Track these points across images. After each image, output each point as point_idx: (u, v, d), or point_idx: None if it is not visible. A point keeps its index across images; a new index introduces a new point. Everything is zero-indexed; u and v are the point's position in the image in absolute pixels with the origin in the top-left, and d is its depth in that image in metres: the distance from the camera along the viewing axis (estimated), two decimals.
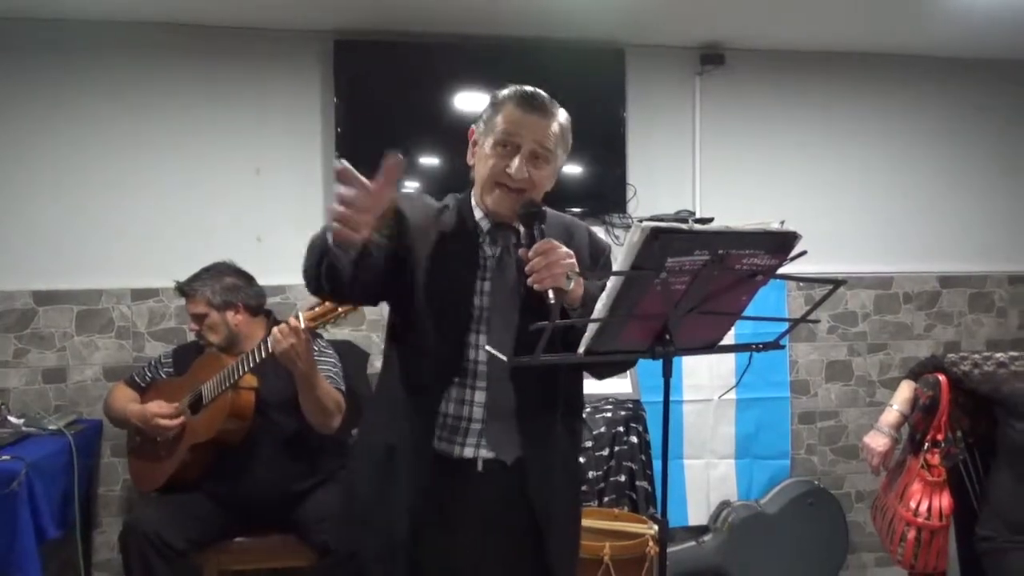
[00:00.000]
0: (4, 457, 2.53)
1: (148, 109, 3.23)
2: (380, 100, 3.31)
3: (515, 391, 1.62)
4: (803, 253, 1.39)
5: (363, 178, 1.38)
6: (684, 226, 1.29)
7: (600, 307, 1.39)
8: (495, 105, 1.64)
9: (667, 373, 1.51)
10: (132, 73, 3.21)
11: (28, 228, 3.15)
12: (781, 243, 1.38)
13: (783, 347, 1.65)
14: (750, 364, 1.67)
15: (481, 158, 1.64)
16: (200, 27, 3.23)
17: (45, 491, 2.57)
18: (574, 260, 1.52)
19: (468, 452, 1.63)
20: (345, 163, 1.38)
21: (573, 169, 3.47)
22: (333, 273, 1.47)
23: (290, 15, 3.19)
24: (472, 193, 1.70)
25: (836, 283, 1.53)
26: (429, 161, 3.38)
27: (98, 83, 3.19)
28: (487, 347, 1.59)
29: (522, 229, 1.60)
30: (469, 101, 3.35)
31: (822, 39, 3.58)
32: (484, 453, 1.63)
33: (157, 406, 2.72)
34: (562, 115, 1.66)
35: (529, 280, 1.49)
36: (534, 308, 1.53)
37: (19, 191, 3.14)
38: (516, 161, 1.58)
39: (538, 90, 1.65)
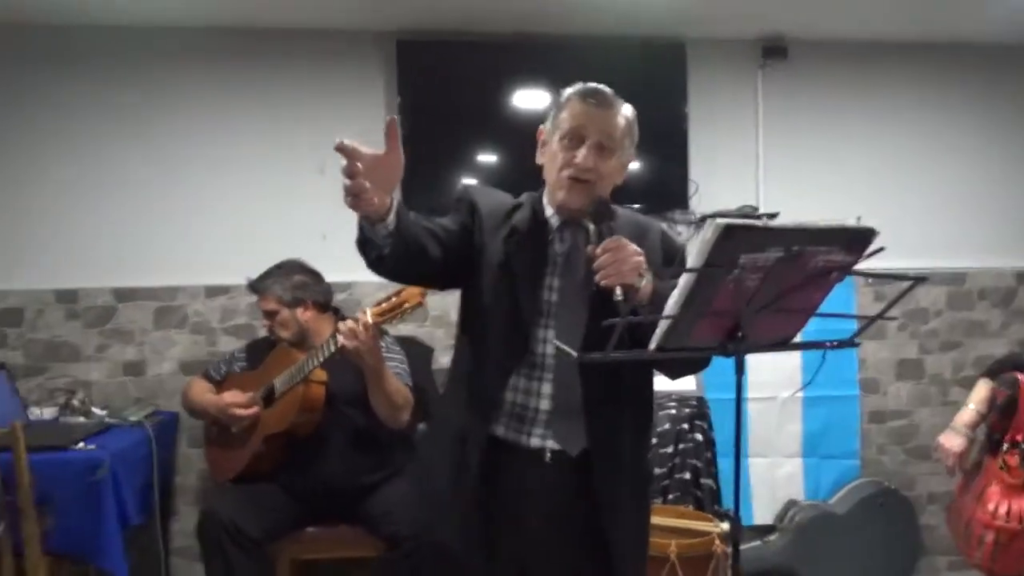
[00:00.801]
0: (90, 447, 2.64)
1: (217, 113, 3.34)
2: (442, 98, 3.35)
3: (582, 385, 1.63)
4: (881, 249, 1.37)
5: (363, 148, 1.41)
6: (759, 223, 1.29)
7: (672, 304, 1.39)
8: (560, 103, 1.67)
9: (739, 370, 1.50)
10: (203, 78, 3.32)
11: (109, 228, 3.28)
12: (858, 239, 1.37)
13: (858, 345, 1.63)
14: (824, 362, 1.65)
15: (550, 155, 1.67)
16: (267, 31, 3.32)
17: (128, 479, 2.68)
18: (643, 258, 1.53)
19: (535, 442, 1.65)
20: (343, 140, 1.39)
21: (634, 165, 3.44)
22: (370, 247, 1.51)
23: (354, 17, 3.25)
24: (544, 191, 1.73)
25: (916, 280, 1.50)
26: (490, 158, 3.42)
27: (174, 89, 3.31)
28: (555, 341, 1.61)
29: (591, 227, 1.61)
30: (529, 99, 3.36)
31: (888, 29, 3.49)
32: (551, 444, 1.65)
33: (232, 395, 2.81)
34: (627, 109, 1.69)
35: (596, 277, 1.50)
36: (602, 305, 1.53)
37: (101, 194, 3.28)
38: (583, 151, 1.61)
39: (602, 86, 1.68)
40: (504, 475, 1.65)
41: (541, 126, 1.72)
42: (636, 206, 3.37)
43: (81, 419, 2.95)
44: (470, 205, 1.70)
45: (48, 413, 2.98)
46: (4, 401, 2.83)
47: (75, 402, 3.00)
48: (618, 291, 1.48)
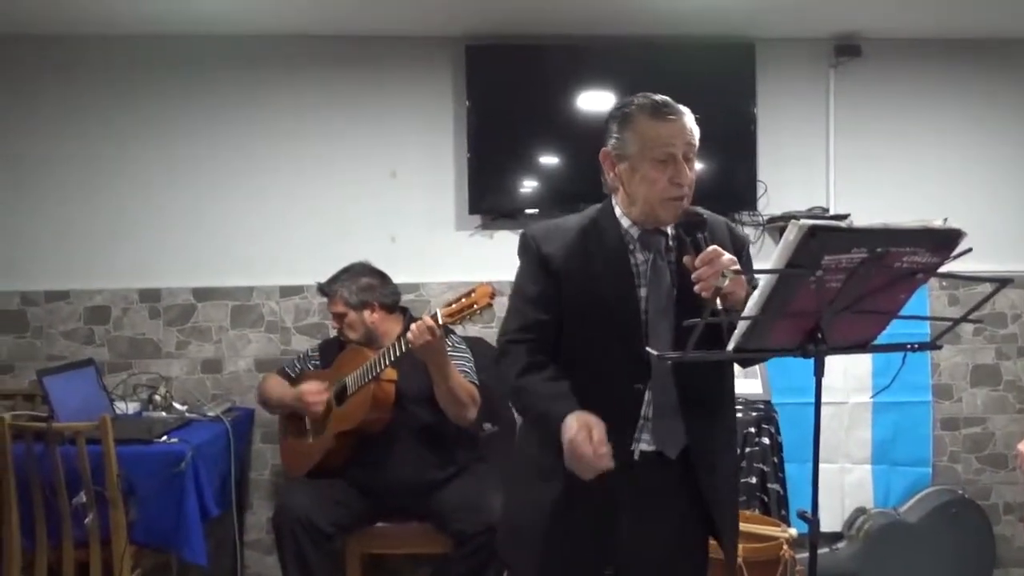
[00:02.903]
0: (172, 440, 2.75)
1: (292, 120, 3.43)
2: (509, 102, 3.39)
3: (677, 387, 1.67)
4: (968, 251, 1.35)
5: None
6: (843, 224, 1.28)
7: (752, 304, 1.40)
8: (626, 121, 1.67)
9: (819, 372, 1.50)
10: (278, 85, 3.42)
11: (190, 231, 3.41)
12: (944, 240, 1.35)
13: (940, 347, 1.61)
14: (903, 365, 1.63)
15: (640, 181, 1.66)
16: (338, 38, 3.40)
17: (207, 472, 2.77)
18: (738, 265, 1.54)
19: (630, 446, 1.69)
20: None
21: (702, 166, 3.43)
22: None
23: (423, 23, 3.31)
24: (615, 203, 1.74)
25: (1001, 282, 1.47)
26: (555, 161, 3.44)
27: (250, 96, 3.42)
28: (648, 348, 1.63)
29: (684, 236, 1.63)
30: (596, 102, 3.38)
31: (964, 25, 3.40)
32: (643, 446, 1.69)
33: (308, 385, 2.89)
34: (688, 110, 1.70)
35: (696, 287, 1.52)
36: (689, 309, 1.56)
37: (184, 198, 3.41)
38: (682, 170, 1.63)
39: (661, 96, 1.69)
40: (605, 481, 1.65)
41: (606, 148, 1.71)
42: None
43: (163, 414, 3.06)
44: (539, 257, 1.72)
45: (132, 407, 3.11)
46: (92, 395, 2.95)
47: (157, 397, 3.12)
48: (718, 301, 1.48)
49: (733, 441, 1.88)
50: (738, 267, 1.52)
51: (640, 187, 1.66)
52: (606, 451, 1.52)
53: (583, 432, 1.52)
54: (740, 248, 1.75)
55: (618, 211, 1.73)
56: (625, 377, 1.66)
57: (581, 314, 1.66)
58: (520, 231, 1.83)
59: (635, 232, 1.71)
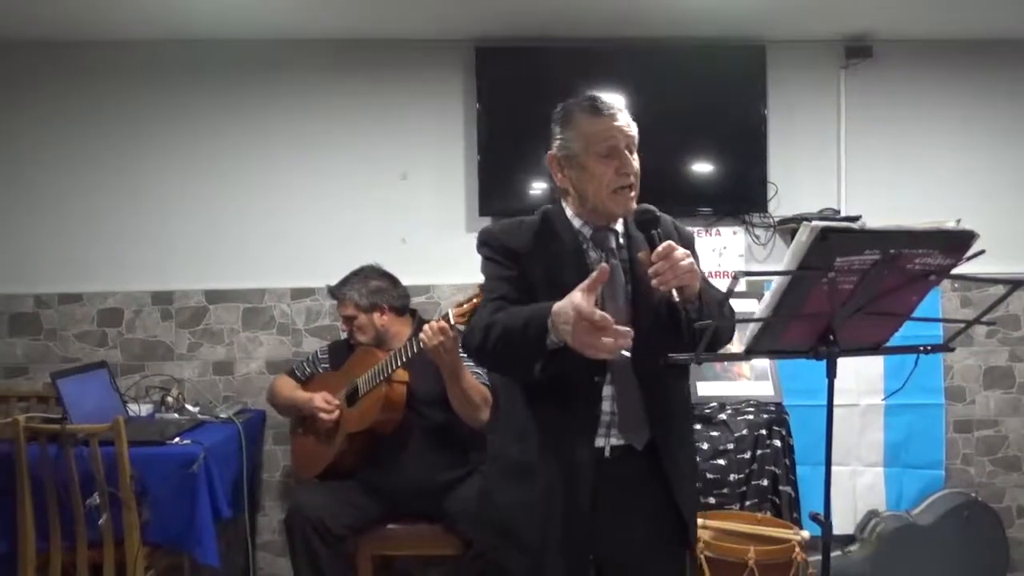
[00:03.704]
0: (185, 441, 2.76)
1: (302, 122, 3.45)
2: (520, 105, 3.38)
3: (639, 382, 1.70)
4: (981, 252, 1.35)
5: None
6: (855, 226, 1.28)
7: (764, 306, 1.40)
8: (567, 122, 1.74)
9: (831, 374, 1.50)
10: (287, 88, 3.44)
11: (202, 233, 3.43)
12: (957, 242, 1.35)
13: (953, 349, 1.60)
14: (915, 367, 1.63)
15: (587, 176, 1.71)
16: (349, 41, 3.42)
17: (219, 474, 2.77)
18: (692, 259, 1.58)
19: (599, 442, 1.72)
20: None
21: (712, 168, 3.44)
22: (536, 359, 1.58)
23: (433, 26, 3.32)
24: (565, 205, 1.80)
25: (1014, 284, 1.47)
26: None
27: (260, 100, 3.43)
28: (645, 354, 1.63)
29: (639, 232, 1.69)
30: None
31: (977, 26, 3.39)
32: (613, 441, 1.72)
33: (322, 398, 2.90)
34: (624, 107, 1.75)
35: (654, 282, 1.57)
36: (644, 304, 1.66)
37: (196, 201, 3.43)
38: (627, 160, 1.69)
39: (595, 94, 1.76)
40: (579, 475, 1.69)
41: (551, 151, 1.77)
42: (707, 209, 3.40)
43: (175, 415, 3.08)
44: (504, 249, 1.75)
45: (145, 409, 3.12)
46: (106, 397, 2.97)
47: (169, 399, 3.14)
48: (675, 293, 1.55)
49: (691, 435, 1.94)
50: (692, 260, 1.56)
51: (590, 183, 1.71)
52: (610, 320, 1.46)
53: (586, 303, 1.46)
54: (688, 244, 1.79)
55: (569, 212, 1.78)
56: (583, 371, 1.67)
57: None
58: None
59: (587, 231, 1.77)
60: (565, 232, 1.76)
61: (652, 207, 1.68)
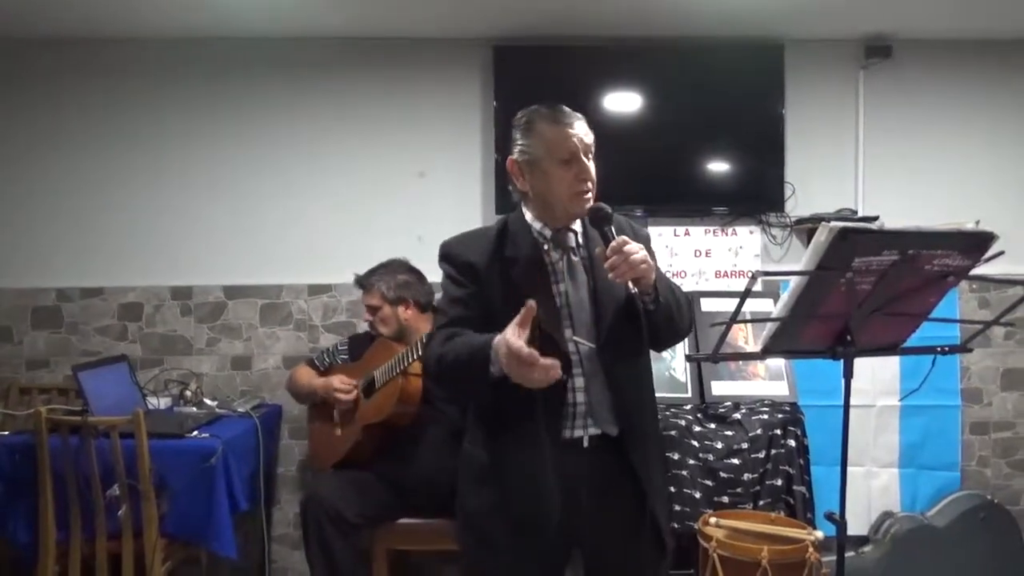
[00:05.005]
0: (203, 435, 2.79)
1: (321, 121, 3.48)
2: (537, 103, 3.38)
3: (604, 374, 1.76)
4: (1000, 254, 1.35)
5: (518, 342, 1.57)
6: (874, 226, 1.29)
7: (781, 306, 1.40)
8: (529, 129, 1.79)
9: (847, 375, 1.50)
10: (307, 87, 3.47)
11: (222, 230, 3.47)
12: (975, 243, 1.35)
13: (971, 350, 1.60)
14: (932, 368, 1.63)
15: (549, 180, 1.77)
16: (366, 40, 3.44)
17: (237, 467, 2.80)
18: (645, 252, 1.65)
19: (578, 433, 1.77)
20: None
21: (729, 167, 3.43)
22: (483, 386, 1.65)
23: (451, 25, 3.34)
24: (525, 210, 1.85)
25: None
26: None
27: (279, 98, 3.47)
28: (575, 338, 1.74)
29: (593, 229, 1.76)
30: (623, 103, 3.37)
31: (996, 26, 3.37)
32: (591, 431, 1.77)
33: (339, 379, 2.94)
34: (582, 116, 1.82)
35: (610, 276, 1.64)
36: (605, 298, 1.75)
37: (215, 198, 3.47)
38: (585, 167, 1.75)
39: (554, 103, 1.81)
40: (558, 466, 1.73)
41: (512, 157, 1.81)
42: (722, 208, 3.39)
43: (193, 409, 3.12)
44: (460, 264, 1.81)
45: (164, 403, 3.17)
46: (126, 390, 3.01)
47: (188, 393, 3.18)
48: (631, 285, 1.66)
49: (658, 424, 1.98)
50: (645, 253, 1.63)
51: (551, 186, 1.77)
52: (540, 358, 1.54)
53: (516, 340, 1.55)
54: (644, 241, 1.83)
55: (529, 216, 1.84)
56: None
57: (506, 313, 1.70)
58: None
59: (547, 233, 1.82)
60: (525, 235, 1.82)
61: (604, 205, 1.75)
